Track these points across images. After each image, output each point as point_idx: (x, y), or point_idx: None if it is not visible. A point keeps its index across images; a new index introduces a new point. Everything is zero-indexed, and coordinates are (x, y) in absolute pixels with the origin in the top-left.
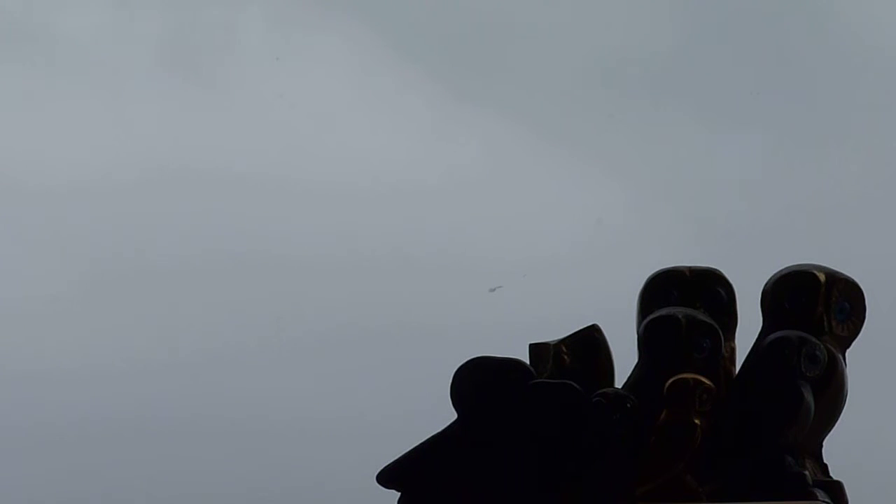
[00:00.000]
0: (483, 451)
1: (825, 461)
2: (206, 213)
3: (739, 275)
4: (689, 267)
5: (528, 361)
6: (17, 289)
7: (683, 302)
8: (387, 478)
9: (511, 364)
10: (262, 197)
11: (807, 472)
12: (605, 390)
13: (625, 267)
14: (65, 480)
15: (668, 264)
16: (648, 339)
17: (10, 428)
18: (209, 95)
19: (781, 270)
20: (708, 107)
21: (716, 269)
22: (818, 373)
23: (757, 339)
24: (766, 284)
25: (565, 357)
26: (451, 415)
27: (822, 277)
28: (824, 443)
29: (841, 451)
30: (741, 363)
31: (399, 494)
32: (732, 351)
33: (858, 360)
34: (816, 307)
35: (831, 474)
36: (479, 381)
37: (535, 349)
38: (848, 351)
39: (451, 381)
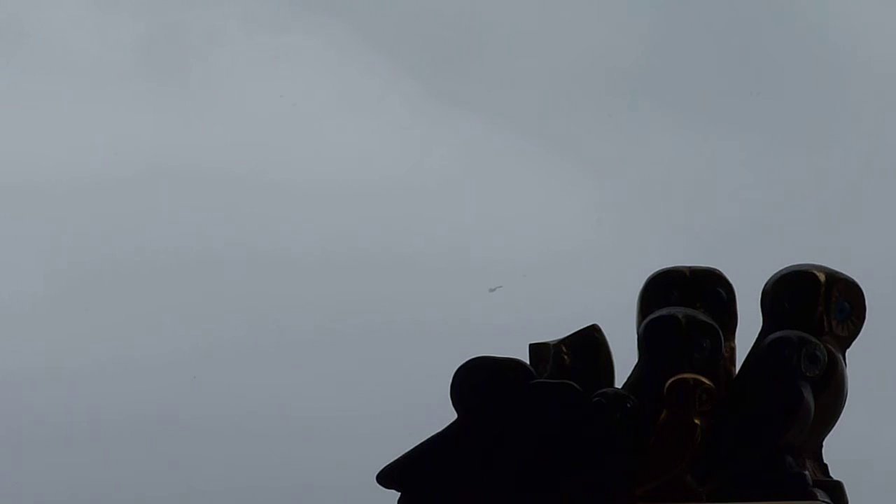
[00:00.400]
0: (483, 451)
1: (825, 461)
2: (189, 211)
3: (729, 275)
4: (689, 267)
5: (528, 361)
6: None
7: (683, 302)
8: (387, 478)
9: (511, 364)
10: (250, 196)
11: (807, 472)
12: (605, 390)
13: (611, 267)
14: (61, 480)
15: (652, 264)
16: (648, 339)
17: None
18: (190, 96)
19: (781, 270)
20: (689, 107)
21: (716, 269)
22: (818, 373)
23: (757, 339)
24: (766, 284)
25: (565, 357)
26: (451, 415)
27: (822, 277)
28: (824, 443)
29: (841, 451)
30: (741, 363)
31: (399, 494)
32: (732, 351)
33: (858, 360)
34: (816, 307)
35: (831, 474)
36: (479, 381)
37: (535, 349)
38: (848, 351)
39: (451, 381)
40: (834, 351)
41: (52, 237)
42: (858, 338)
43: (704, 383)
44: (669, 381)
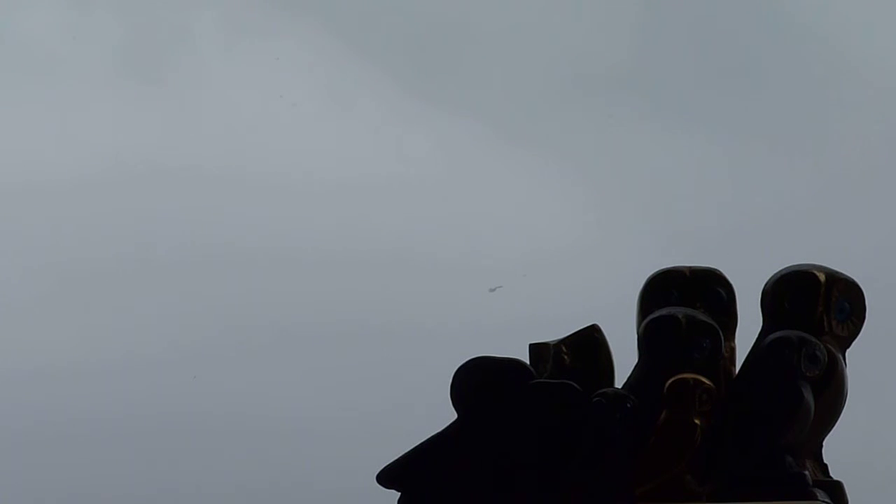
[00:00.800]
0: (483, 451)
1: (825, 461)
2: (172, 209)
3: (728, 274)
4: (689, 267)
5: (528, 361)
6: None
7: (683, 302)
8: (387, 478)
9: (511, 364)
10: (244, 195)
11: (807, 472)
12: (605, 390)
13: (596, 267)
14: (60, 479)
15: (638, 264)
16: (648, 339)
17: None
18: (169, 96)
19: (781, 270)
20: (672, 107)
21: (716, 269)
22: (818, 373)
23: (757, 339)
24: (766, 284)
25: (565, 357)
26: (451, 415)
27: (822, 277)
28: (824, 443)
29: (841, 451)
30: (741, 363)
31: (399, 494)
32: (732, 351)
33: (858, 360)
34: (816, 307)
35: (831, 474)
36: (479, 381)
37: (535, 349)
38: (848, 351)
39: (451, 381)
40: (834, 351)
41: (44, 236)
42: (858, 338)
43: (704, 383)
44: (669, 381)
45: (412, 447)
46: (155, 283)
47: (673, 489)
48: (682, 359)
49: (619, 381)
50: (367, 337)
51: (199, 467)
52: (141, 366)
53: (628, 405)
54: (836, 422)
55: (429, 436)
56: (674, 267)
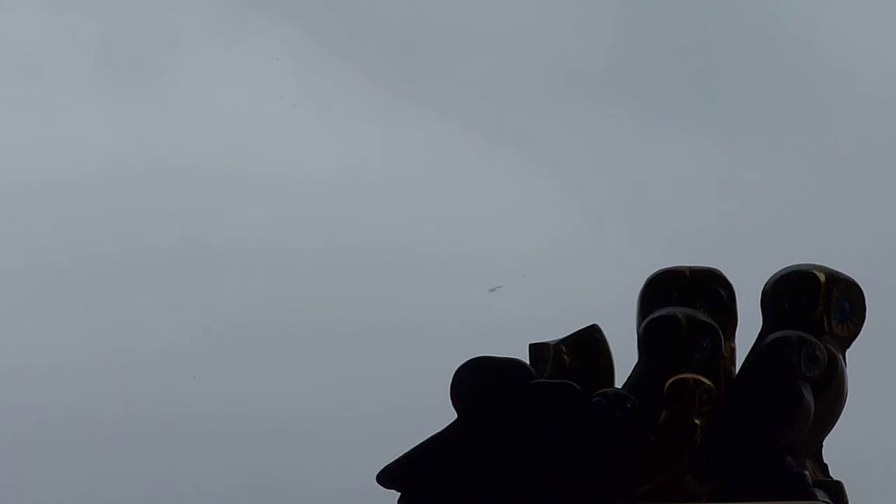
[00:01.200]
0: (483, 451)
1: (825, 461)
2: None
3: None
4: (690, 267)
5: (528, 361)
6: None
7: (683, 302)
8: (387, 478)
9: (511, 364)
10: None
11: (807, 472)
12: (605, 390)
13: (580, 268)
14: (60, 478)
15: (624, 264)
16: (648, 339)
17: None
18: (149, 96)
19: (781, 270)
20: (652, 107)
21: (716, 269)
22: (818, 373)
23: (757, 339)
24: (766, 284)
25: (565, 357)
26: (451, 415)
27: (822, 277)
28: (824, 443)
29: (841, 451)
30: (741, 363)
31: (399, 494)
32: (732, 351)
33: (858, 360)
34: (816, 307)
35: (831, 474)
36: (479, 381)
37: (535, 349)
38: (848, 351)
39: (451, 381)
40: (834, 351)
41: (36, 236)
42: (858, 338)
43: (704, 383)
44: (669, 381)
45: (412, 447)
46: (153, 282)
47: (673, 489)
48: (682, 359)
49: (619, 381)
50: (367, 337)
51: (199, 467)
52: (140, 365)
53: (628, 405)
54: (836, 422)
55: (429, 436)
56: (674, 267)
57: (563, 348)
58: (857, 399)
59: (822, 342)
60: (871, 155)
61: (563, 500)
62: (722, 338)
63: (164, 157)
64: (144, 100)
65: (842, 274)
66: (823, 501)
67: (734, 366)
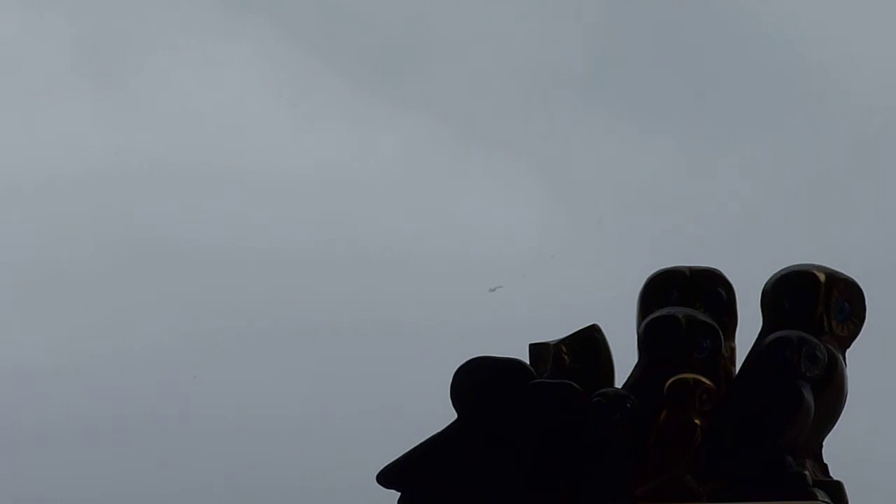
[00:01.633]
0: (483, 451)
1: (825, 461)
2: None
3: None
4: (689, 267)
5: (528, 361)
6: None
7: (683, 302)
8: (387, 478)
9: (511, 364)
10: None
11: (807, 472)
12: (605, 390)
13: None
14: (59, 477)
15: (607, 265)
16: (648, 339)
17: None
18: (125, 97)
19: (781, 270)
20: (632, 108)
21: (716, 269)
22: (818, 373)
23: (757, 339)
24: (766, 284)
25: (565, 357)
26: (451, 415)
27: (822, 277)
28: (824, 443)
29: (841, 451)
30: (741, 363)
31: (399, 494)
32: (732, 351)
33: (858, 360)
34: (816, 307)
35: (831, 474)
36: (479, 381)
37: (535, 349)
38: (848, 351)
39: (451, 381)
40: (834, 351)
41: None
42: (858, 338)
43: (704, 383)
44: (669, 381)
45: (412, 447)
46: (151, 282)
47: (673, 489)
48: (682, 359)
49: (619, 381)
50: (367, 336)
51: (199, 467)
52: (140, 365)
53: (628, 405)
54: (836, 422)
55: (429, 436)
56: (674, 267)
57: (563, 348)
58: (857, 399)
59: (822, 342)
60: (858, 151)
61: (563, 500)
62: (722, 338)
63: (144, 156)
64: (121, 100)
65: (842, 274)
66: (823, 501)
67: (734, 366)
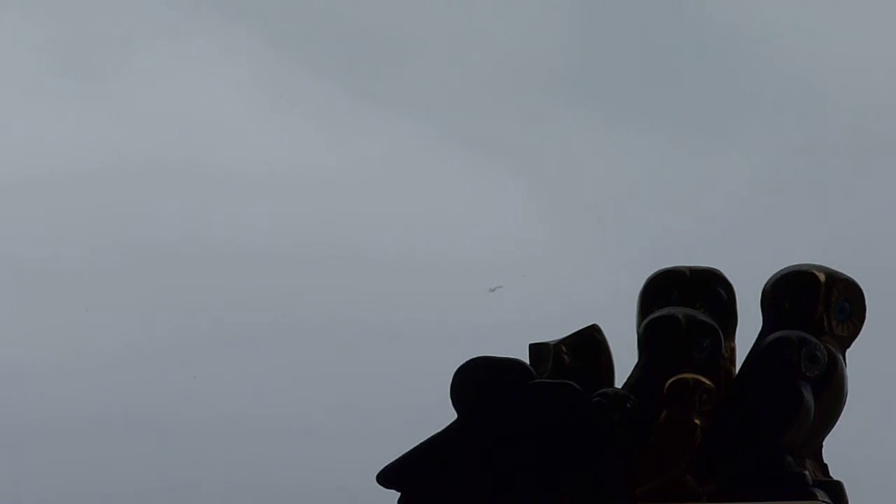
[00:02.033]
0: (483, 451)
1: (825, 461)
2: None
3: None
4: (690, 267)
5: (528, 361)
6: None
7: (683, 302)
8: (387, 478)
9: (511, 364)
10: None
11: (807, 472)
12: (605, 390)
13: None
14: (57, 476)
15: (589, 267)
16: (648, 339)
17: None
18: (100, 97)
19: (781, 270)
20: (614, 107)
21: (716, 269)
22: (818, 373)
23: (757, 339)
24: (766, 284)
25: (565, 357)
26: (451, 415)
27: (822, 277)
28: (824, 443)
29: (841, 451)
30: (741, 363)
31: (399, 494)
32: (732, 351)
33: (858, 360)
34: (816, 307)
35: (831, 474)
36: (479, 381)
37: (535, 349)
38: (848, 351)
39: (451, 381)
40: (834, 351)
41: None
42: (858, 338)
43: (704, 383)
44: (669, 381)
45: (412, 447)
46: (150, 281)
47: (673, 489)
48: (682, 359)
49: (619, 381)
50: (367, 336)
51: (199, 467)
52: (139, 364)
53: (628, 405)
54: (836, 422)
55: (429, 436)
56: (674, 267)
57: (563, 348)
58: (857, 399)
59: (822, 342)
60: (858, 151)
61: (563, 500)
62: (722, 338)
63: (120, 156)
64: (96, 100)
65: (842, 274)
66: (823, 501)
67: (734, 366)
